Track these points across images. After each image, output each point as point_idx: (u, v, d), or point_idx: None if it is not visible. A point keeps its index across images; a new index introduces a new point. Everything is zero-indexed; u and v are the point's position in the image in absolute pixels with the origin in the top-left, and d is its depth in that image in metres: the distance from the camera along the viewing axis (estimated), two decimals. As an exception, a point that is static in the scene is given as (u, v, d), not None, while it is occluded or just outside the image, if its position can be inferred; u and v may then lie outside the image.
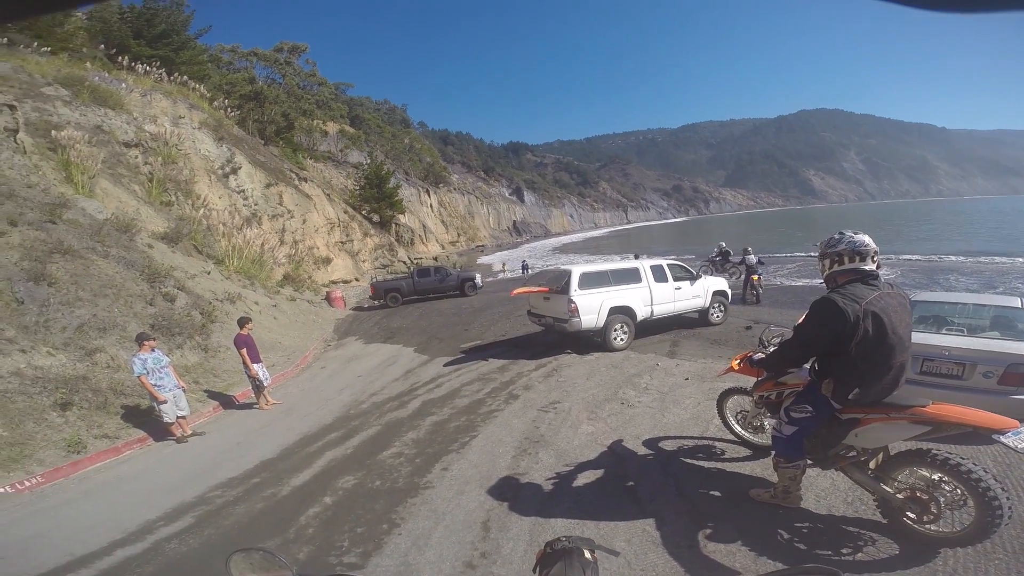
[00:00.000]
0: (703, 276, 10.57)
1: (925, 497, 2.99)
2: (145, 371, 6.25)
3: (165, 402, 6.34)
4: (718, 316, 10.51)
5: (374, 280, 20.72)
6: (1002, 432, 2.75)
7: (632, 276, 9.44)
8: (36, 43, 16.65)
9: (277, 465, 5.58)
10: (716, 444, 4.83)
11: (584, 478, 4.43)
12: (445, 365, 9.20)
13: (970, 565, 2.91)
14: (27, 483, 5.28)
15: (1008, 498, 2.79)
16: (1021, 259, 21.54)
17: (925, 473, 3.02)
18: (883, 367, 2.89)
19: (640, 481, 4.23)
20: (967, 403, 3.12)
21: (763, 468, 4.18)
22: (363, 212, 32.81)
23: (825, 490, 3.78)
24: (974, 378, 4.67)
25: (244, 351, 7.48)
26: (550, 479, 4.46)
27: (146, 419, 6.77)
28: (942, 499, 2.94)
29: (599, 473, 4.47)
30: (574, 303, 8.60)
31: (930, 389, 4.66)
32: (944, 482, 2.94)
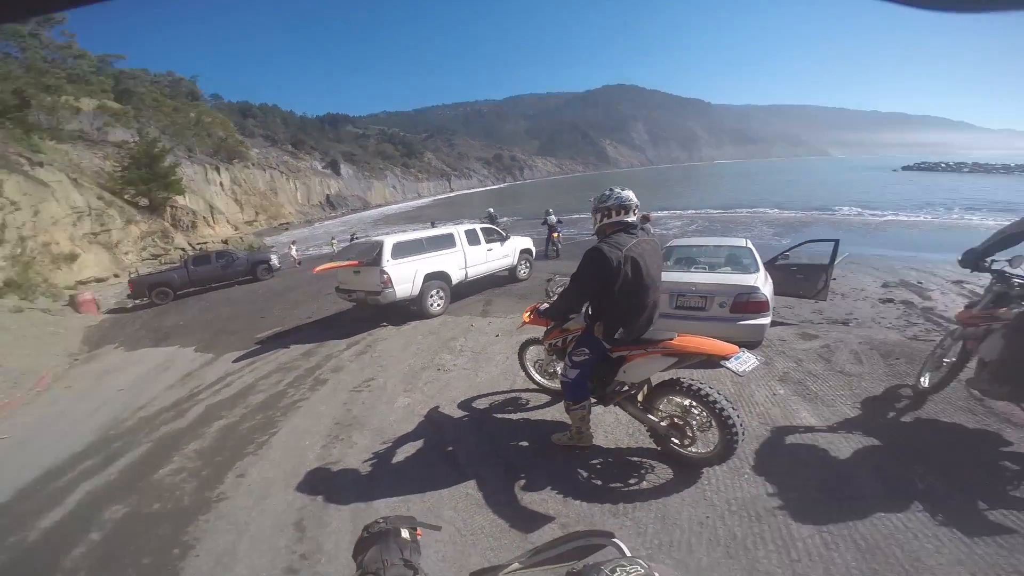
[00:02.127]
0: (511, 236, 11.04)
1: (681, 423, 3.34)
2: None
3: None
4: (524, 272, 11.25)
5: (133, 275, 17.02)
6: (726, 358, 3.02)
7: (447, 242, 9.40)
8: None
9: (12, 509, 4.35)
10: (522, 395, 5.00)
11: (404, 452, 4.26)
12: (235, 361, 7.98)
13: (727, 481, 3.30)
14: None
15: (739, 416, 3.13)
16: (762, 210, 29.16)
17: (679, 400, 3.36)
18: (640, 306, 3.17)
19: (458, 445, 4.25)
20: (710, 331, 3.56)
21: (561, 412, 4.42)
22: (125, 196, 26.88)
23: (611, 426, 4.11)
24: (713, 308, 5.44)
25: None
26: (368, 461, 4.19)
27: None
28: (694, 423, 3.29)
29: (419, 444, 4.37)
30: (387, 274, 8.20)
31: (683, 321, 5.36)
32: (693, 407, 3.29)
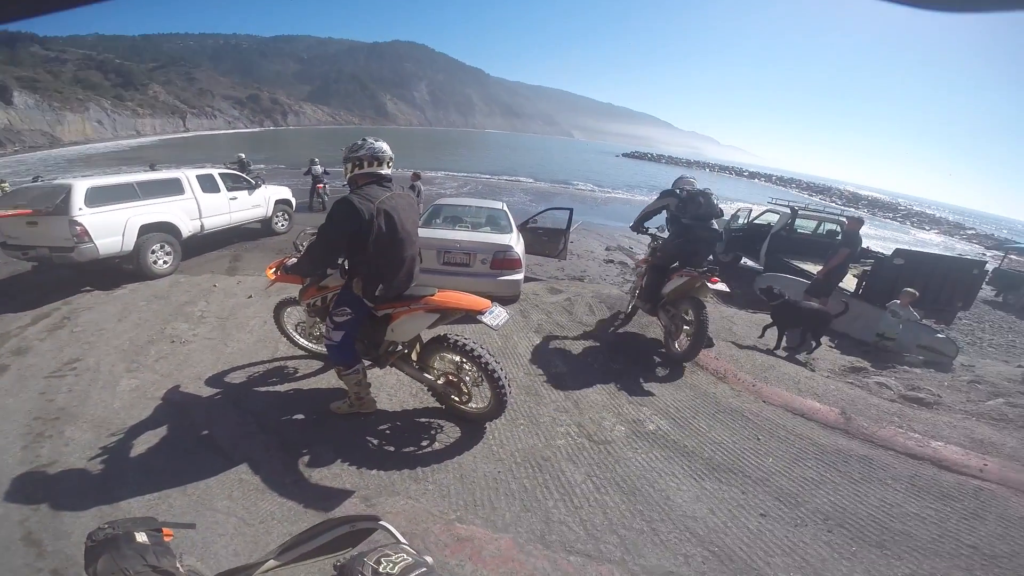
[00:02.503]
0: (263, 185, 9.87)
1: (456, 380, 3.40)
2: None
3: None
4: (282, 225, 10.33)
5: None
6: (481, 313, 3.13)
7: (172, 187, 7.88)
8: None
9: None
10: (289, 364, 4.56)
11: (144, 443, 3.49)
12: None
13: (508, 434, 3.45)
14: None
15: (503, 369, 3.27)
16: (520, 178, 34.21)
17: (451, 357, 3.39)
18: (397, 260, 3.11)
19: (215, 427, 3.69)
20: (474, 287, 3.81)
21: (337, 379, 4.17)
22: None
23: (393, 388, 4.01)
24: (476, 265, 5.78)
25: None
26: (96, 458, 3.35)
27: None
28: (467, 379, 3.37)
29: (163, 432, 3.62)
30: (80, 225, 6.47)
31: (451, 277, 5.62)
32: (464, 364, 3.34)
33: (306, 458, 3.29)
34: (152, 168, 13.28)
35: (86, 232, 6.51)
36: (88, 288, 6.93)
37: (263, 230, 10.01)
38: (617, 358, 5.02)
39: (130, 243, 7.03)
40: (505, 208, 7.19)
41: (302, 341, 4.59)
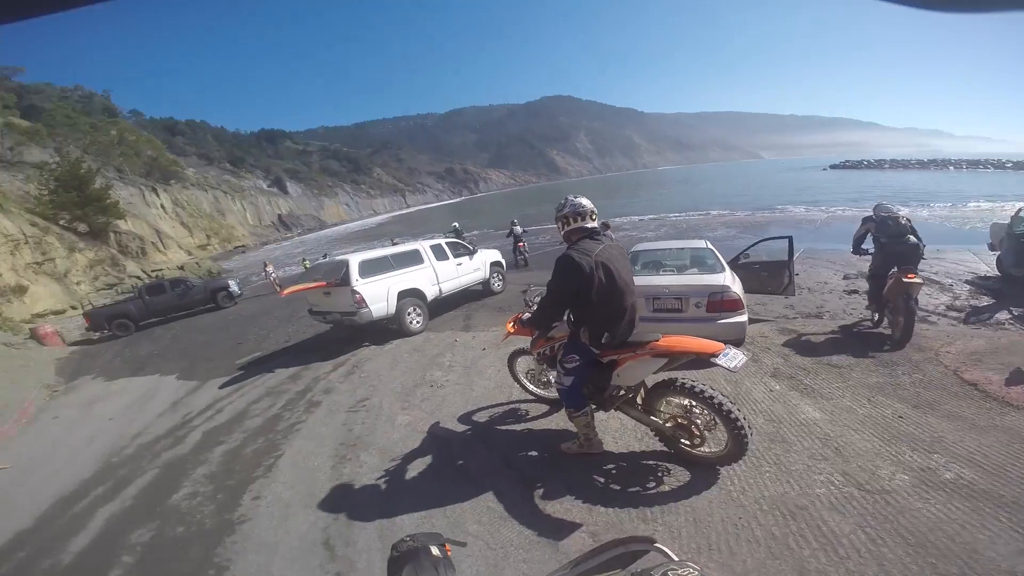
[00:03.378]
0: (479, 250, 11.32)
1: (686, 423, 3.33)
2: None
3: None
4: (498, 285, 11.52)
5: (88, 308, 16.38)
6: (715, 355, 3.04)
7: (414, 258, 9.49)
8: None
9: (40, 534, 4.40)
10: (521, 406, 5.06)
11: (415, 469, 4.32)
12: (221, 387, 8.03)
13: (750, 480, 3.28)
14: None
15: (741, 411, 3.17)
16: (714, 211, 30.47)
17: (678, 400, 3.37)
18: (619, 310, 3.22)
19: (468, 459, 4.30)
20: (692, 332, 3.61)
21: (563, 421, 4.46)
22: (61, 222, 25.42)
23: (617, 431, 4.13)
24: (690, 309, 5.46)
25: None
26: (381, 479, 4.29)
27: None
28: (699, 422, 3.29)
29: (428, 460, 4.45)
30: (359, 293, 8.27)
31: (664, 324, 5.30)
32: (695, 407, 3.28)
33: (541, 491, 3.57)
34: (394, 242, 15.92)
35: (363, 299, 8.32)
36: (367, 343, 8.90)
37: (484, 291, 11.14)
38: (882, 399, 4.39)
39: (392, 307, 8.70)
40: (709, 245, 6.71)
41: (532, 387, 5.02)
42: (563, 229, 3.42)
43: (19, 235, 19.47)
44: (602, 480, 3.56)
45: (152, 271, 27.21)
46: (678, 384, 3.29)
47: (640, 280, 5.51)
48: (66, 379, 10.69)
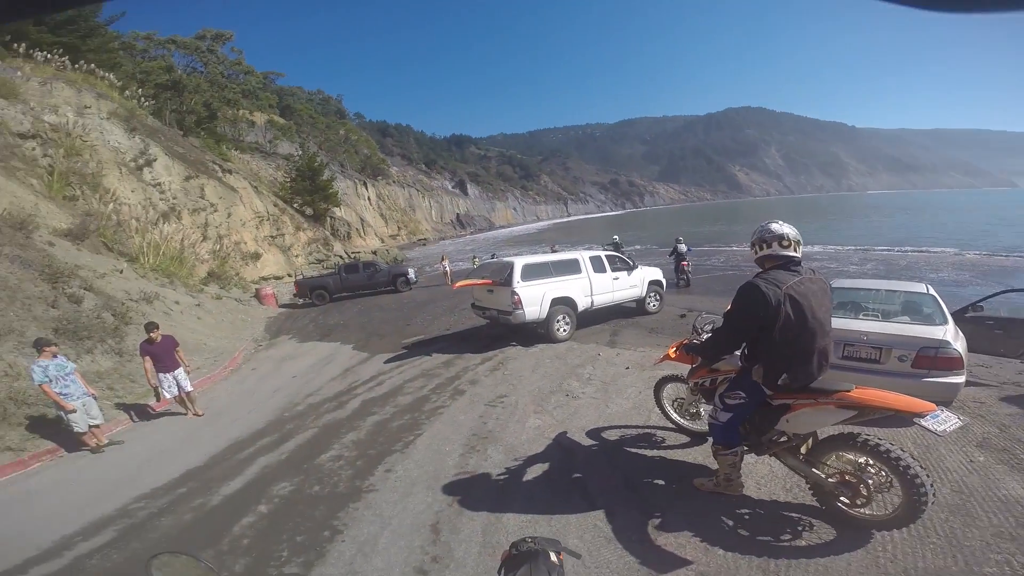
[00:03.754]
0: (639, 266, 10.86)
1: (854, 480, 3.07)
2: (47, 379, 5.61)
3: (73, 411, 5.72)
4: (654, 305, 10.90)
5: (298, 277, 19.77)
6: (922, 416, 2.80)
7: (572, 267, 9.54)
8: None
9: (205, 474, 5.18)
10: (657, 432, 4.86)
11: (533, 472, 4.38)
12: (386, 362, 8.92)
13: (907, 549, 2.96)
14: None
15: (929, 477, 2.88)
16: (938, 249, 24.60)
17: (852, 457, 3.09)
18: (806, 351, 2.95)
19: (588, 474, 4.22)
20: (886, 387, 3.22)
21: (703, 455, 4.24)
22: (295, 205, 31.30)
23: (764, 477, 3.83)
24: (891, 362, 4.86)
25: (147, 360, 6.71)
26: (500, 476, 4.38)
27: (55, 429, 6.08)
28: (870, 482, 3.01)
29: (547, 467, 4.43)
30: (518, 295, 8.58)
31: (852, 373, 4.79)
32: (870, 465, 3.02)
33: (657, 520, 3.40)
34: (553, 249, 16.28)
35: (520, 301, 8.62)
36: (514, 343, 9.16)
37: (637, 309, 10.72)
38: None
39: (544, 312, 8.87)
40: (931, 291, 5.77)
41: (675, 416, 4.77)
42: (756, 255, 3.21)
43: (264, 213, 24.51)
44: (730, 523, 3.33)
45: (352, 252, 32.04)
46: (860, 440, 3.00)
47: (834, 322, 4.85)
48: (270, 336, 12.96)
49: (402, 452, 5.14)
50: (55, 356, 5.85)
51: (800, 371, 2.97)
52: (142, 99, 23.28)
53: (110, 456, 5.94)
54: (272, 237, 24.12)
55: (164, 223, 15.85)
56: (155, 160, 18.49)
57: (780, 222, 3.13)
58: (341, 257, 28.20)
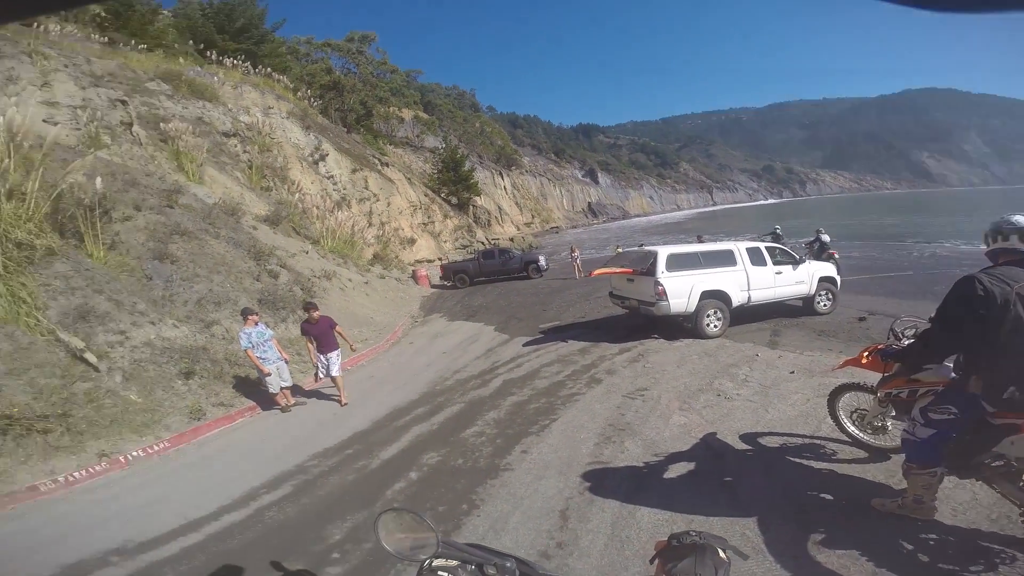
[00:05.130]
0: (808, 260, 9.59)
1: None
2: (250, 344, 6.44)
3: (269, 374, 6.54)
4: (825, 304, 9.51)
5: (443, 262, 21.44)
6: None
7: (726, 258, 8.81)
8: (133, 41, 18.04)
9: (369, 437, 5.74)
10: (828, 445, 4.35)
11: (675, 470, 4.17)
12: (524, 345, 9.15)
13: None
14: (156, 448, 5.73)
15: None
16: None
17: None
18: None
19: (740, 479, 3.93)
20: None
21: (885, 473, 3.75)
22: (442, 195, 33.63)
23: (965, 503, 3.29)
24: None
25: (308, 340, 6.93)
26: (637, 469, 4.24)
27: (255, 389, 7.15)
28: None
29: (692, 467, 4.20)
30: (662, 286, 8.16)
31: None
32: None
33: (820, 536, 3.10)
34: (700, 239, 15.32)
35: (665, 292, 8.18)
36: (656, 336, 8.74)
37: (803, 308, 9.56)
38: None
39: (692, 305, 8.32)
40: None
41: (852, 428, 4.25)
42: (988, 247, 2.84)
43: (417, 202, 26.77)
44: (910, 547, 2.96)
45: (492, 239, 33.60)
46: None
47: None
48: (424, 314, 14.14)
49: (538, 435, 5.20)
50: (257, 324, 6.72)
51: None
52: (311, 99, 26.17)
53: (295, 416, 6.83)
54: (424, 224, 26.24)
55: (338, 211, 17.87)
56: (327, 155, 20.99)
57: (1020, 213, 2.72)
58: (482, 243, 29.79)
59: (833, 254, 12.95)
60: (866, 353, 3.85)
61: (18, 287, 6.04)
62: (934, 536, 3.03)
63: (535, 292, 15.79)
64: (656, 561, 1.10)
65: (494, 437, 5.29)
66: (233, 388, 7.18)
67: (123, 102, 12.31)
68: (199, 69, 18.88)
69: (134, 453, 5.53)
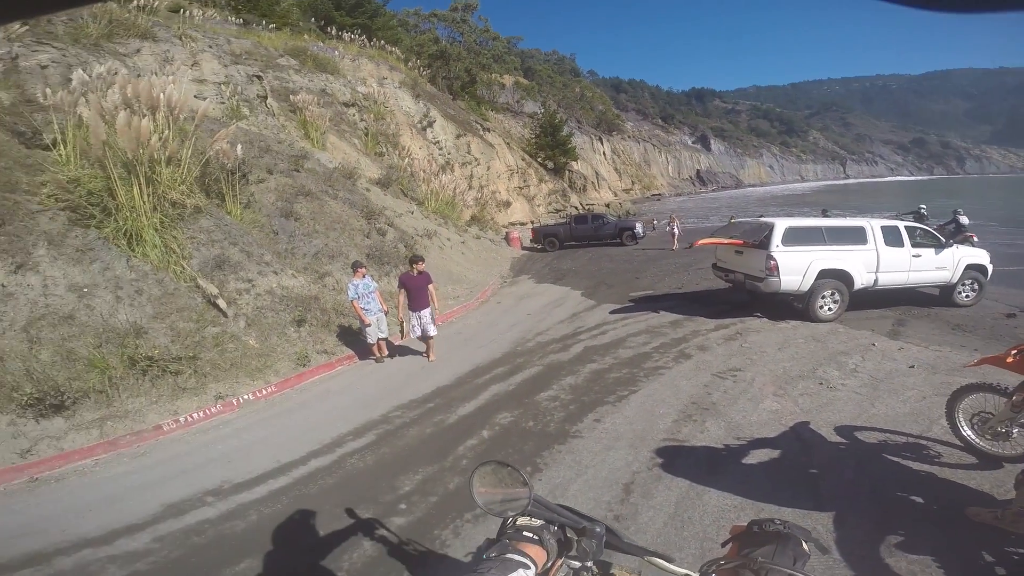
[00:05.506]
0: (954, 244, 8.29)
1: None
2: (356, 296, 6.68)
3: (369, 325, 6.77)
4: (968, 296, 8.27)
5: (534, 225, 21.53)
6: None
7: (855, 236, 7.91)
8: (264, 21, 19.96)
9: (450, 392, 5.90)
10: (935, 447, 4.02)
11: (756, 456, 3.96)
12: (611, 312, 8.96)
13: None
14: (263, 392, 6.06)
15: None
16: None
17: None
18: None
19: (826, 472, 3.71)
20: None
21: (992, 483, 3.47)
22: (538, 160, 33.43)
23: None
24: None
25: (402, 293, 6.88)
26: (715, 451, 4.08)
27: (355, 339, 7.60)
28: None
29: (776, 455, 4.01)
30: (774, 260, 7.48)
31: None
32: None
33: (897, 539, 2.95)
34: (825, 214, 13.92)
35: (777, 267, 7.49)
36: (759, 315, 8.14)
37: (940, 298, 8.57)
38: None
39: (807, 284, 7.57)
40: None
41: (968, 432, 3.90)
42: None
43: (514, 166, 26.90)
44: (990, 558, 2.79)
45: (587, 204, 33.00)
46: None
47: None
48: (513, 275, 14.37)
49: (614, 405, 5.13)
50: (364, 276, 7.08)
51: None
52: (420, 69, 27.17)
53: (388, 367, 7.16)
54: (520, 188, 26.42)
55: (442, 174, 18.56)
56: (434, 121, 21.77)
57: None
58: (576, 208, 29.38)
59: (971, 237, 11.13)
60: (1014, 351, 3.46)
61: (171, 239, 6.91)
62: (1020, 550, 2.82)
63: (628, 259, 15.41)
64: (731, 544, 1.08)
65: (568, 403, 5.29)
66: (336, 337, 7.68)
67: (258, 77, 13.58)
68: (321, 44, 20.28)
69: (245, 396, 5.92)
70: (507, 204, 23.99)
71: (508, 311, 9.92)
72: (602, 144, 59.03)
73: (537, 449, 4.35)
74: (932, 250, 8.01)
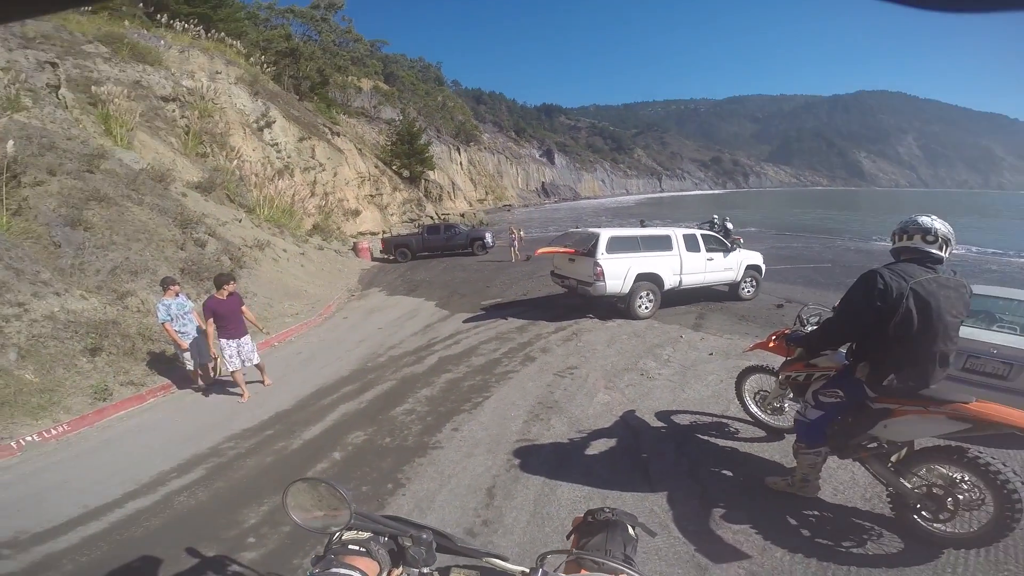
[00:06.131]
0: (737, 249, 10.12)
1: (942, 495, 2.90)
2: (169, 317, 5.96)
3: (187, 350, 6.12)
4: (749, 291, 10.18)
5: (384, 235, 21.12)
6: None
7: (663, 243, 9.14)
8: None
9: (291, 417, 5.48)
10: (732, 424, 4.69)
11: (595, 447, 4.36)
12: (464, 321, 9.17)
13: (978, 569, 2.79)
14: (53, 431, 5.23)
15: None
16: None
17: (946, 471, 2.91)
18: (922, 355, 2.71)
19: (653, 456, 4.16)
20: (1011, 405, 2.95)
21: (779, 452, 4.07)
22: (394, 167, 32.66)
23: (845, 483, 3.62)
24: (1020, 380, 4.41)
25: (210, 323, 5.97)
26: (561, 446, 4.41)
27: (171, 366, 6.71)
28: (960, 498, 2.83)
29: (612, 443, 4.39)
30: (600, 267, 8.36)
31: (969, 387, 4.35)
32: (965, 481, 2.83)
33: (720, 513, 3.35)
34: (642, 224, 15.77)
35: (602, 273, 8.39)
36: (590, 316, 9.01)
37: (729, 293, 10.17)
38: None
39: (627, 287, 8.60)
40: None
41: (754, 409, 4.58)
42: (894, 244, 3.01)
43: (366, 173, 25.86)
44: (794, 522, 3.26)
45: (442, 214, 33.04)
46: (969, 456, 2.77)
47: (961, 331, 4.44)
48: (363, 287, 13.79)
49: (470, 412, 5.26)
50: (177, 295, 6.19)
51: (912, 375, 2.76)
52: (264, 65, 24.94)
53: (214, 395, 6.33)
54: (371, 196, 25.44)
55: (279, 179, 17.19)
56: (274, 122, 20.03)
57: (933, 216, 2.87)
58: (431, 218, 29.24)
59: (739, 240, 13.69)
60: (773, 337, 4.14)
61: None
62: (816, 513, 3.32)
63: (480, 268, 15.82)
64: (572, 536, 1.14)
65: (425, 415, 5.27)
66: (146, 365, 6.66)
67: (52, 64, 11.23)
68: (145, 32, 17.70)
69: (28, 438, 5.02)
70: (356, 213, 22.92)
71: (356, 326, 9.50)
72: (460, 154, 59.77)
73: (397, 464, 4.26)
74: (721, 254, 9.66)
